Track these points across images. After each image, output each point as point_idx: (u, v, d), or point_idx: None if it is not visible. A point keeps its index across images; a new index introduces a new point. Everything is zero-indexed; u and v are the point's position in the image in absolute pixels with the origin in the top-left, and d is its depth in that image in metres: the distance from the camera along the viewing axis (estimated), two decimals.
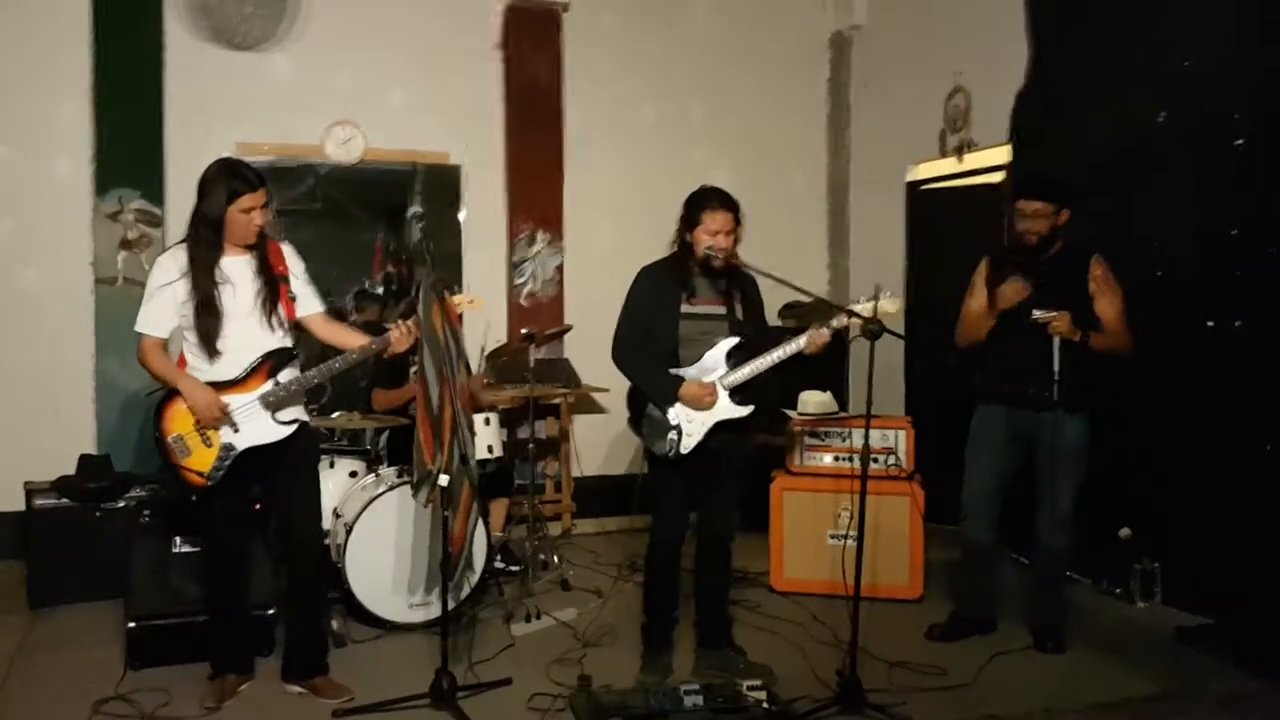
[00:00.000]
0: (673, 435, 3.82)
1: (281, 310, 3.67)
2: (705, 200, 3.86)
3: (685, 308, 3.87)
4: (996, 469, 4.32)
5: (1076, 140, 5.21)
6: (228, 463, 3.59)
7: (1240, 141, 4.45)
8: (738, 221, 3.85)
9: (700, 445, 3.84)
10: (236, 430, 3.60)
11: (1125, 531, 4.80)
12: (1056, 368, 4.03)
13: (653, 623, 4.08)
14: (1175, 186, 4.74)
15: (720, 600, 4.14)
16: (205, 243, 3.57)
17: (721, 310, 3.91)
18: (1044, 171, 4.28)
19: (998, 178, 5.87)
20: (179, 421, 3.58)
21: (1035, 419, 4.18)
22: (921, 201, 6.56)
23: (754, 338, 3.92)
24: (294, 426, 3.70)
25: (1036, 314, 4.01)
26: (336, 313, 5.48)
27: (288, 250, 3.80)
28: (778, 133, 7.12)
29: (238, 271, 3.62)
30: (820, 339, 3.77)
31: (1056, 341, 4.03)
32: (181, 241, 3.64)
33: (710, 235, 3.80)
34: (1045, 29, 5.48)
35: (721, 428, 3.85)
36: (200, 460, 3.58)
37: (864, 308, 3.72)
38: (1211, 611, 4.45)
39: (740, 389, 3.85)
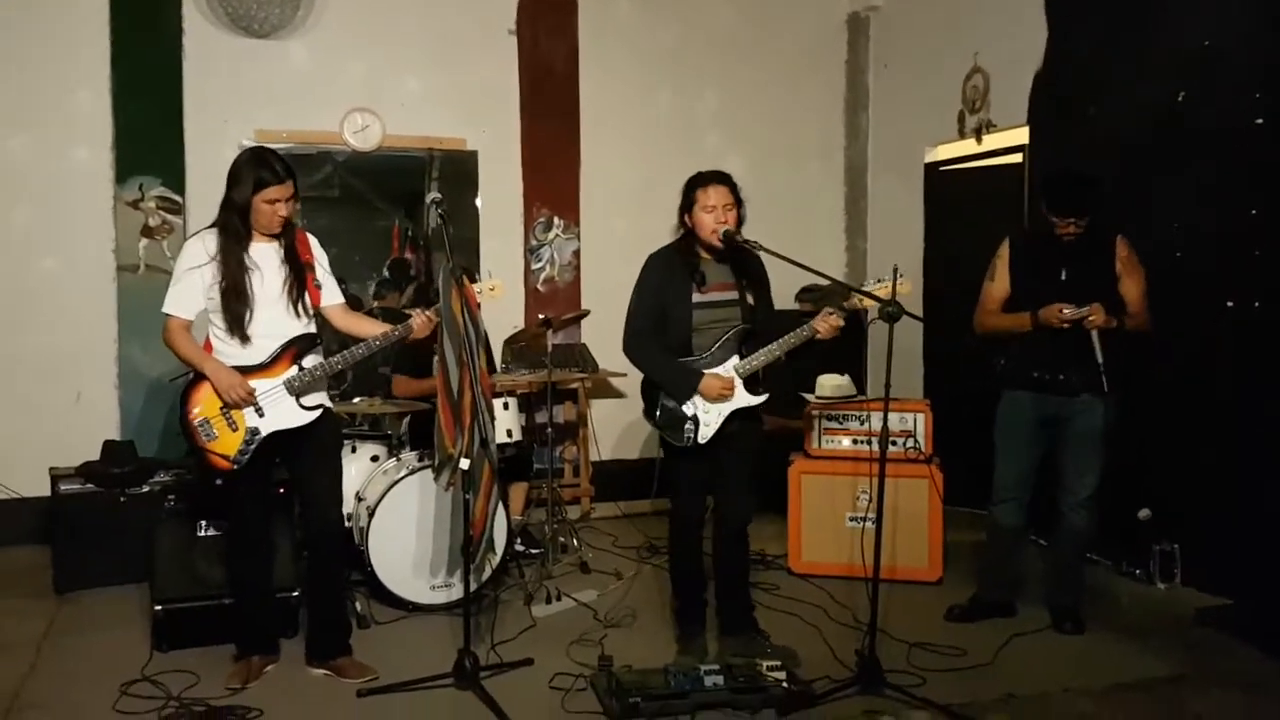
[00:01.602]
0: (689, 426, 3.83)
1: (307, 298, 3.72)
2: (697, 179, 3.88)
3: (697, 296, 3.86)
4: (1029, 455, 4.30)
5: (1095, 120, 5.18)
6: (253, 446, 3.63)
7: (1260, 120, 4.42)
8: (738, 197, 3.84)
9: (716, 432, 3.85)
10: (261, 414, 3.64)
11: (1145, 513, 4.79)
12: (1100, 357, 3.99)
13: (684, 606, 4.12)
14: (1194, 167, 4.71)
15: (741, 584, 4.15)
16: (234, 230, 3.60)
17: (733, 296, 3.90)
18: (1071, 180, 4.20)
19: (1017, 159, 5.84)
20: (205, 405, 3.62)
21: (1064, 403, 4.16)
22: (940, 183, 6.54)
23: (765, 322, 3.92)
24: (318, 412, 3.74)
25: (1067, 313, 3.98)
26: (353, 300, 5.52)
27: (313, 241, 3.84)
28: (794, 115, 7.09)
29: (265, 258, 3.66)
30: (833, 322, 3.76)
31: (1095, 332, 4.01)
32: (211, 226, 3.67)
33: (708, 212, 3.80)
34: (1063, 8, 5.44)
35: (736, 415, 3.87)
36: (226, 444, 3.62)
37: (878, 288, 3.71)
38: (1231, 593, 4.45)
39: (754, 375, 3.86)
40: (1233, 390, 4.49)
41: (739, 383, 3.83)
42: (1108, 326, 3.99)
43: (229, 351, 3.64)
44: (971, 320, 4.43)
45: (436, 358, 3.89)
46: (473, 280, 3.92)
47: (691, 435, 3.83)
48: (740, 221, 3.85)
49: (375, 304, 6.18)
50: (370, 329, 3.82)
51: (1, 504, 5.53)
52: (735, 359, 3.85)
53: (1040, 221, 4.23)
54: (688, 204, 3.87)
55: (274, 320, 3.65)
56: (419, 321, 3.72)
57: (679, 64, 6.82)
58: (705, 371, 3.82)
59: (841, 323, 3.77)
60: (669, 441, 3.90)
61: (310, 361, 3.71)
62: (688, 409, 3.83)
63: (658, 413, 3.90)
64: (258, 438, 3.64)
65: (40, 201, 5.68)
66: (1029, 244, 4.34)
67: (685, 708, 3.43)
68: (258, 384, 3.62)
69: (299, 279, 3.70)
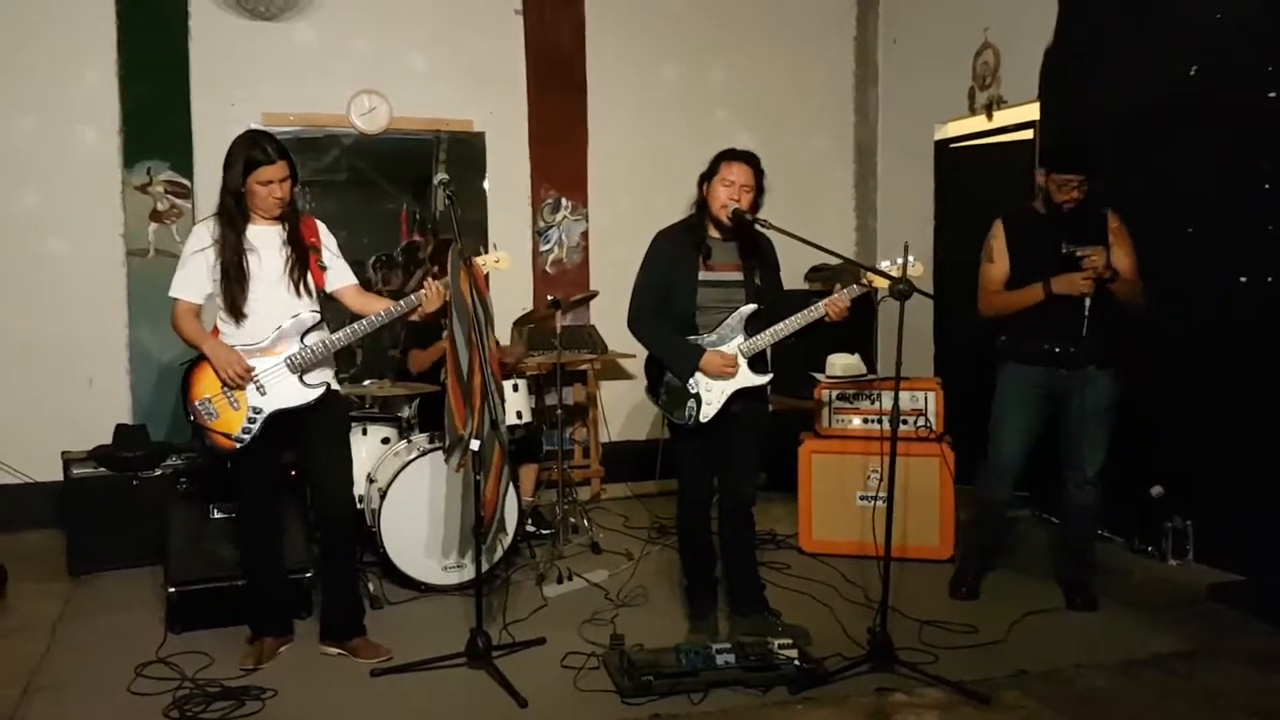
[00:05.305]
0: (691, 404, 3.82)
1: (311, 279, 3.72)
2: (727, 153, 3.87)
3: (703, 274, 3.85)
4: (1026, 429, 4.31)
5: (1106, 95, 5.14)
6: (256, 425, 3.64)
7: (1273, 94, 4.38)
8: (760, 183, 3.83)
9: (720, 412, 3.84)
10: (264, 393, 3.65)
11: (1157, 489, 4.77)
12: (1086, 324, 4.02)
13: (693, 583, 4.12)
14: (1207, 141, 4.67)
15: (748, 565, 4.15)
16: (229, 213, 3.63)
17: (739, 276, 3.89)
18: (1073, 140, 4.26)
19: (1027, 135, 5.80)
20: (206, 385, 3.64)
21: (1064, 377, 4.16)
22: (950, 160, 6.49)
23: (772, 303, 3.91)
24: (321, 389, 3.74)
25: (1074, 249, 4.01)
26: (363, 283, 5.51)
27: (321, 226, 3.86)
28: (803, 92, 7.05)
29: (266, 240, 3.67)
30: (842, 303, 3.74)
31: (1087, 302, 4.02)
32: (216, 212, 3.69)
33: (727, 186, 3.78)
34: None
35: (740, 395, 3.85)
36: (228, 423, 3.63)
37: (889, 268, 3.70)
38: (1243, 569, 4.43)
39: (759, 356, 3.84)
40: (1245, 366, 4.47)
41: (743, 362, 3.82)
42: (1104, 275, 4.01)
43: (232, 332, 3.66)
44: (977, 302, 4.42)
45: (445, 334, 3.88)
46: (477, 254, 3.89)
47: (694, 413, 3.82)
48: (755, 209, 3.84)
49: (381, 287, 6.15)
50: (382, 307, 3.82)
51: (15, 488, 5.55)
52: (740, 338, 3.83)
53: (1032, 200, 4.22)
54: (710, 173, 3.86)
55: (276, 301, 3.67)
56: (426, 294, 3.71)
57: (687, 40, 6.77)
58: (706, 346, 3.81)
59: (849, 305, 3.75)
60: (672, 421, 3.90)
61: (312, 339, 3.71)
62: (690, 386, 3.83)
63: (661, 390, 3.89)
64: (260, 416, 3.65)
65: (49, 185, 5.68)
66: (1023, 223, 4.32)
67: (697, 685, 3.45)
68: (259, 362, 3.64)
69: (301, 260, 3.70)
